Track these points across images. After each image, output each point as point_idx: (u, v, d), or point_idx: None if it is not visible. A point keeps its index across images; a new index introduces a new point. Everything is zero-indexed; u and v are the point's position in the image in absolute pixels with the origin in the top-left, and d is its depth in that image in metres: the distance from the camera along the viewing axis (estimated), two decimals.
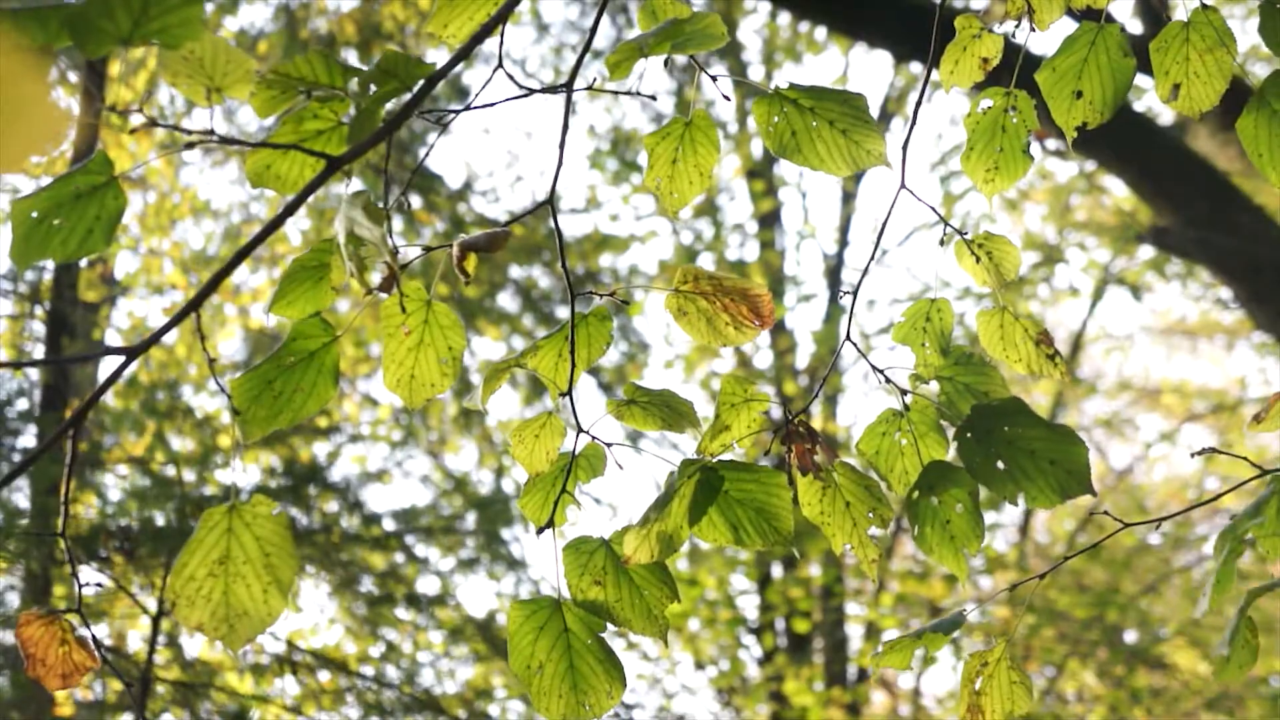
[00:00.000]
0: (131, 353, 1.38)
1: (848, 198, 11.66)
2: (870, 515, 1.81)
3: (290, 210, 1.45)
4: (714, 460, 1.75)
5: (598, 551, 1.74)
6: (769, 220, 11.62)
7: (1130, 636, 10.86)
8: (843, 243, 11.78)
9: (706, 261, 11.27)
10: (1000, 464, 1.77)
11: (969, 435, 1.79)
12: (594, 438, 1.80)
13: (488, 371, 1.78)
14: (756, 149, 11.16)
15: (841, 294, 1.96)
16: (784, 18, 10.75)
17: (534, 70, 10.79)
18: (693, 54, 1.77)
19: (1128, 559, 10.59)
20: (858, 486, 1.81)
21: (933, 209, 1.95)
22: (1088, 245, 11.00)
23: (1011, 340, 1.95)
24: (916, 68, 10.50)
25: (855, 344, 1.87)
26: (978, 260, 1.95)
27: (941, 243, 1.97)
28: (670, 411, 1.81)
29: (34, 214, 1.45)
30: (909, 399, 1.87)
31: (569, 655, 1.70)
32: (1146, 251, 10.48)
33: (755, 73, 11.08)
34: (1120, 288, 10.83)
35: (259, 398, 1.64)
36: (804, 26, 10.56)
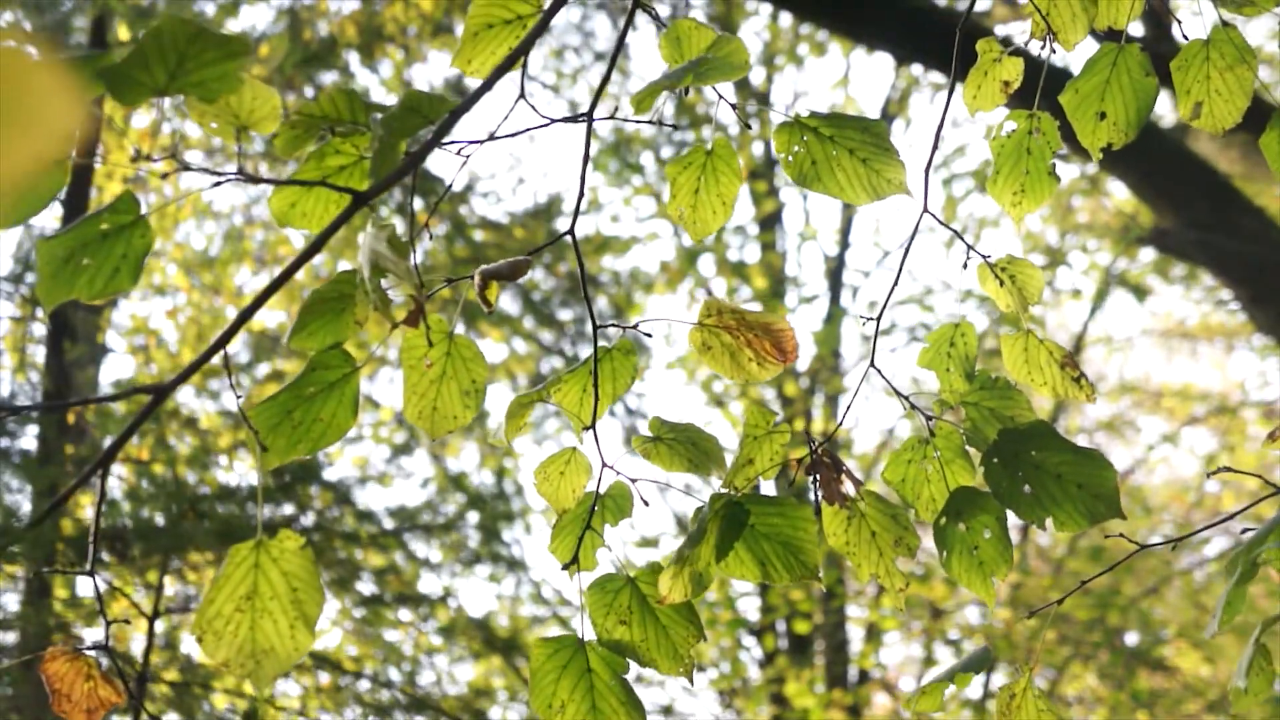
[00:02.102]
0: (159, 391, 1.37)
1: None
2: (896, 544, 1.80)
3: (317, 247, 1.44)
4: (740, 495, 1.74)
5: (623, 590, 1.73)
6: (770, 221, 11.61)
7: (1132, 639, 10.87)
8: (844, 244, 11.78)
9: (707, 263, 11.26)
10: (1027, 488, 1.76)
11: (995, 460, 1.77)
12: (619, 474, 1.79)
13: (511, 406, 1.77)
14: (758, 150, 11.15)
15: (864, 321, 1.95)
16: (785, 20, 10.75)
17: (536, 73, 10.78)
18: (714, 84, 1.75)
19: (1129, 561, 10.57)
20: (884, 515, 1.80)
21: (955, 233, 1.94)
22: (1089, 247, 11.01)
23: (1036, 363, 1.94)
24: (918, 69, 10.51)
25: (882, 373, 1.86)
26: (1001, 284, 1.94)
27: (965, 265, 1.95)
28: (696, 450, 1.79)
29: (61, 254, 1.44)
30: (934, 425, 1.86)
31: (591, 696, 1.69)
32: (1148, 254, 10.49)
33: (756, 75, 11.07)
34: (1122, 290, 10.84)
35: (278, 427, 1.62)
36: (805, 29, 10.56)
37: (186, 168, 1.36)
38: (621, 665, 1.70)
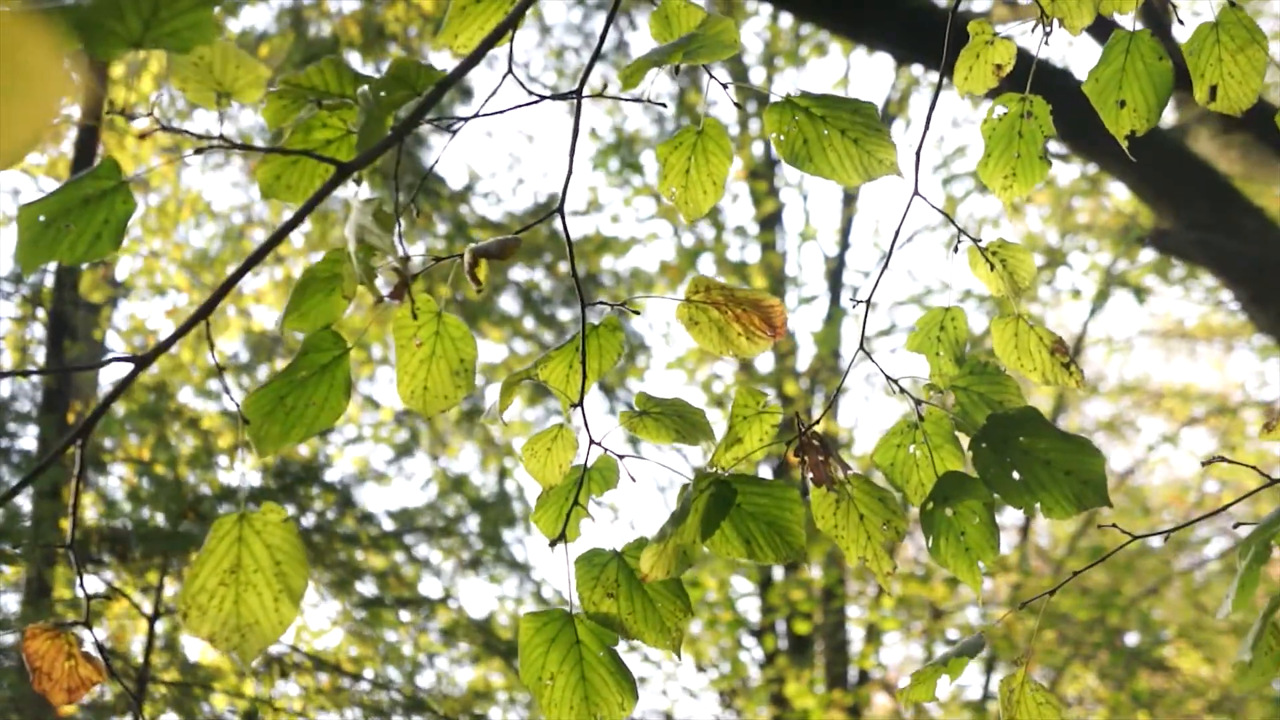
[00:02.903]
0: (140, 361, 1.37)
1: (849, 199, 11.65)
2: (885, 527, 1.79)
3: (299, 218, 1.44)
4: (727, 473, 1.73)
5: (610, 564, 1.72)
6: (770, 222, 11.61)
7: (1132, 639, 10.86)
8: (844, 244, 11.77)
9: (707, 263, 11.26)
10: (1016, 474, 1.75)
11: (984, 445, 1.76)
12: (606, 449, 1.78)
13: (502, 385, 1.77)
14: (758, 150, 11.14)
15: (854, 304, 1.94)
16: (785, 20, 10.75)
17: (537, 73, 10.78)
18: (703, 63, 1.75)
19: (1129, 562, 10.58)
20: (871, 499, 1.79)
21: (945, 215, 1.94)
22: (1089, 248, 11.00)
23: (1026, 349, 1.94)
24: (918, 69, 10.50)
25: (870, 355, 1.85)
26: (992, 268, 1.93)
27: (955, 250, 1.95)
28: (683, 422, 1.79)
29: (41, 218, 1.43)
30: (923, 409, 1.85)
31: (580, 667, 1.69)
32: (1148, 254, 10.48)
33: (756, 75, 11.07)
34: (1122, 290, 10.83)
35: (271, 414, 1.62)
36: (805, 29, 10.55)
37: (166, 128, 1.35)
38: (611, 637, 1.70)
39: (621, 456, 1.79)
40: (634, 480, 1.76)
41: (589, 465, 1.79)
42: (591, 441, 1.77)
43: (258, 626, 1.47)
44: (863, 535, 1.80)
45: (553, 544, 1.74)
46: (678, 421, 1.79)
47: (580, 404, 1.77)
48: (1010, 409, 1.82)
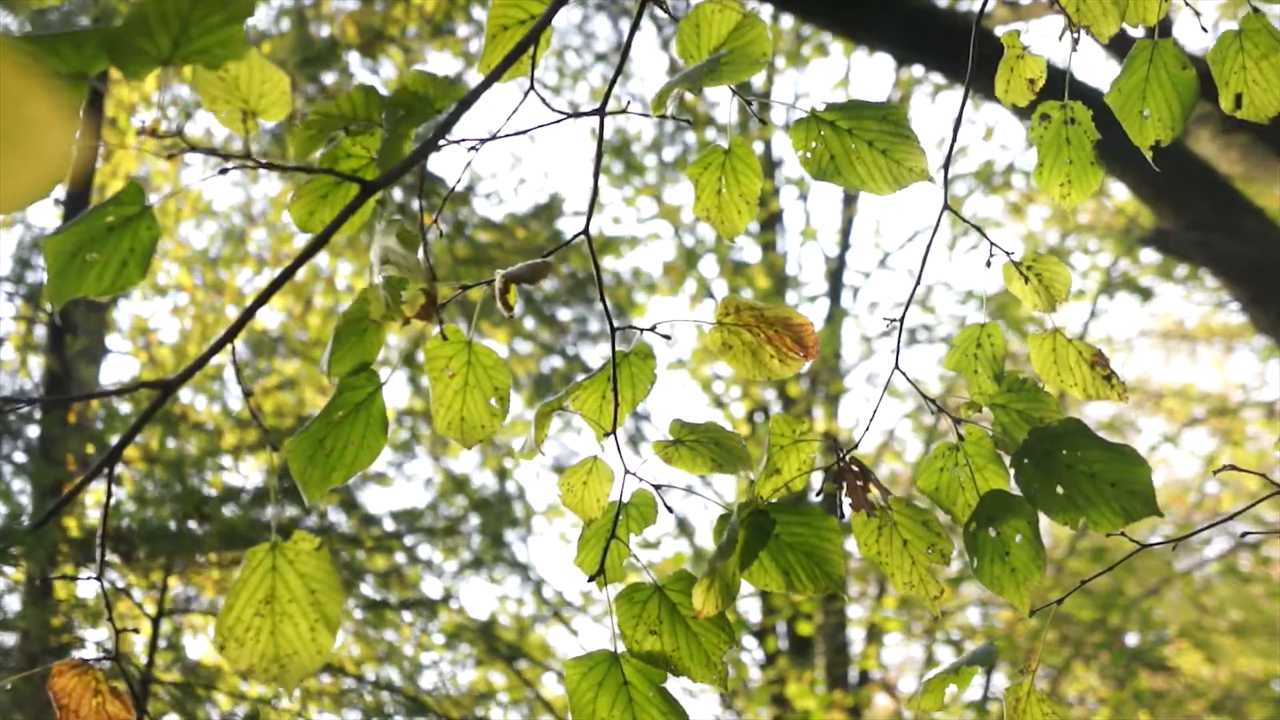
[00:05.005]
0: (167, 386, 1.33)
1: (850, 199, 11.62)
2: (929, 551, 1.76)
3: (323, 240, 1.41)
4: (765, 503, 1.70)
5: (651, 600, 1.69)
6: (770, 222, 11.58)
7: (1133, 639, 10.85)
8: (844, 244, 11.75)
9: (709, 264, 11.23)
10: (1060, 489, 1.72)
11: (1026, 461, 1.73)
12: (642, 480, 1.75)
13: (535, 414, 1.73)
14: (759, 149, 11.11)
15: (888, 323, 1.91)
16: (786, 21, 10.72)
17: (537, 74, 10.73)
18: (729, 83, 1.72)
19: (1130, 562, 10.56)
20: (914, 523, 1.76)
21: (978, 230, 1.91)
22: (1090, 248, 10.98)
23: (1065, 364, 1.91)
24: (918, 70, 10.48)
25: (905, 374, 1.82)
26: (1026, 282, 1.90)
27: (987, 264, 1.92)
28: (720, 450, 1.75)
29: (68, 249, 1.40)
30: (961, 429, 1.82)
31: (632, 709, 1.65)
32: (1149, 255, 10.47)
33: (757, 76, 11.04)
34: (1124, 291, 10.82)
35: (313, 458, 1.59)
36: (806, 30, 10.53)
37: (192, 148, 1.32)
38: (658, 675, 1.66)
39: (658, 486, 1.75)
40: (671, 511, 1.72)
41: (625, 499, 1.75)
42: (626, 471, 1.73)
43: (296, 656, 1.44)
44: (907, 560, 1.76)
45: (592, 579, 1.70)
46: (715, 450, 1.75)
47: (613, 433, 1.73)
48: (1052, 421, 1.79)
